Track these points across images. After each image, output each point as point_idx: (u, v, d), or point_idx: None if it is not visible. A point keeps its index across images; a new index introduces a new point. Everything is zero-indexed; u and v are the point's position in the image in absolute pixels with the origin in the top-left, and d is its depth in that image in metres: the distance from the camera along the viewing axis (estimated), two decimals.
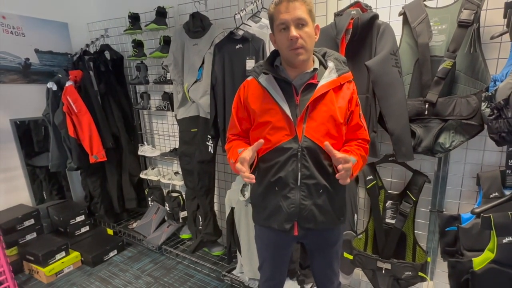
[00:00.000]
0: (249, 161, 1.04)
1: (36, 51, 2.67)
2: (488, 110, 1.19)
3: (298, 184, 1.10)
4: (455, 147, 1.37)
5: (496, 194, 1.32)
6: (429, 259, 1.61)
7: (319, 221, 1.14)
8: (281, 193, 1.13)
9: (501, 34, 1.20)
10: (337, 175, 1.02)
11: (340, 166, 1.01)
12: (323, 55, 1.17)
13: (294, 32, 0.99)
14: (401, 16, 1.46)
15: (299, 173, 1.09)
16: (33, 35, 2.64)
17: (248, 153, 1.05)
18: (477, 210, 1.23)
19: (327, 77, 1.09)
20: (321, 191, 1.12)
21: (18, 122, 2.61)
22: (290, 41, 1.01)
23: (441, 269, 1.66)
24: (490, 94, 1.18)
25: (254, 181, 1.04)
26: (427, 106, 1.40)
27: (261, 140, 1.05)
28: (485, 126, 1.27)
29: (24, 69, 2.61)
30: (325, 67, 1.13)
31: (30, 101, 2.66)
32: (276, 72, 1.11)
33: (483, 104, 1.24)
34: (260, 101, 1.12)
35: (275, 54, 1.17)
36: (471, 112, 1.31)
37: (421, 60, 1.40)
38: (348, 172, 1.02)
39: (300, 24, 1.00)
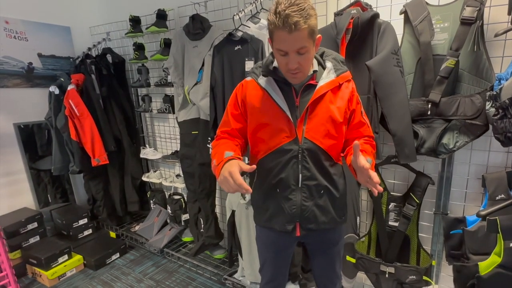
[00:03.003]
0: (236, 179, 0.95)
1: (39, 55, 2.69)
2: (493, 109, 1.16)
3: (299, 185, 1.09)
4: (459, 147, 1.34)
5: (503, 196, 1.28)
6: (433, 263, 1.58)
7: (320, 221, 1.13)
8: (282, 195, 1.12)
9: (506, 31, 1.17)
10: (372, 188, 0.95)
11: (373, 182, 0.93)
12: (321, 55, 1.15)
13: (293, 63, 0.96)
14: (402, 15, 1.43)
15: (300, 175, 1.08)
16: (36, 39, 2.66)
17: (238, 170, 0.96)
18: (483, 213, 1.20)
19: (326, 78, 1.07)
20: (322, 192, 1.11)
21: (21, 126, 2.63)
22: (289, 68, 0.98)
23: (446, 272, 1.62)
24: (494, 93, 1.15)
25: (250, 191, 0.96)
26: (430, 106, 1.37)
27: (254, 166, 0.99)
28: (490, 126, 1.23)
29: (27, 73, 2.63)
30: (324, 68, 1.11)
31: (34, 105, 2.68)
32: (275, 74, 1.10)
33: (487, 103, 1.20)
34: (260, 102, 1.10)
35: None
36: (476, 111, 1.28)
37: (423, 59, 1.37)
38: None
39: (300, 52, 0.95)
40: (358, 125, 1.14)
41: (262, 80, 1.11)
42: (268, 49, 1.69)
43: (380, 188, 0.95)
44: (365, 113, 1.17)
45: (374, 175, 0.93)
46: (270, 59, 1.14)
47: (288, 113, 1.06)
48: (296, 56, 0.95)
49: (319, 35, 1.01)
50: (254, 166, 0.99)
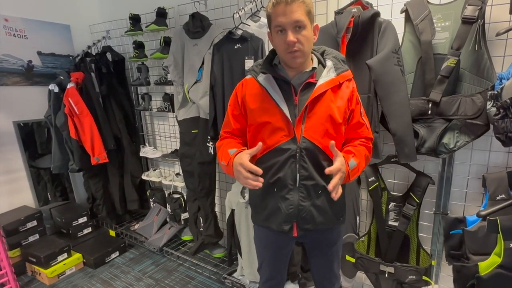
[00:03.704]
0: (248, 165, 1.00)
1: (39, 53, 2.69)
2: (494, 109, 1.15)
3: (297, 185, 1.08)
4: (459, 147, 1.33)
5: (503, 196, 1.27)
6: (433, 263, 1.57)
7: (318, 221, 1.12)
8: (279, 194, 1.11)
9: (507, 31, 1.17)
10: (329, 187, 0.97)
11: (331, 184, 0.96)
12: (322, 54, 1.14)
13: (291, 36, 0.97)
14: (403, 14, 1.43)
15: (298, 174, 1.07)
16: (36, 37, 2.65)
17: (246, 158, 1.01)
18: (483, 213, 1.19)
19: (326, 76, 1.07)
20: (320, 192, 1.10)
21: (21, 124, 2.62)
22: (287, 45, 0.99)
23: (446, 272, 1.61)
24: (496, 92, 1.14)
25: (260, 185, 1.00)
26: (430, 105, 1.36)
27: (260, 144, 1.02)
28: (491, 126, 1.23)
29: (27, 71, 2.63)
30: (324, 66, 1.10)
31: (33, 103, 2.67)
32: (274, 71, 1.09)
33: (488, 103, 1.20)
34: (259, 100, 1.10)
35: (274, 52, 1.15)
36: (476, 111, 1.27)
37: (424, 58, 1.36)
38: (339, 182, 0.98)
39: (297, 27, 0.97)
40: (356, 125, 1.13)
41: (261, 78, 1.11)
42: (268, 48, 1.69)
43: (334, 195, 0.97)
44: (365, 114, 1.16)
45: (332, 183, 0.95)
46: (270, 57, 1.14)
47: (286, 112, 1.05)
48: (294, 32, 0.98)
49: (317, 23, 1.05)
50: (260, 143, 1.02)
